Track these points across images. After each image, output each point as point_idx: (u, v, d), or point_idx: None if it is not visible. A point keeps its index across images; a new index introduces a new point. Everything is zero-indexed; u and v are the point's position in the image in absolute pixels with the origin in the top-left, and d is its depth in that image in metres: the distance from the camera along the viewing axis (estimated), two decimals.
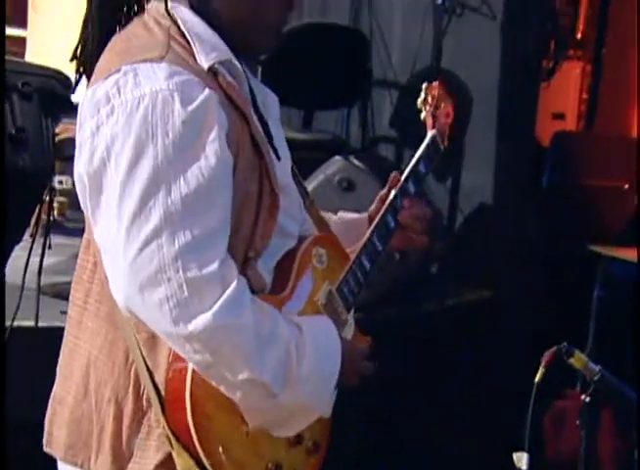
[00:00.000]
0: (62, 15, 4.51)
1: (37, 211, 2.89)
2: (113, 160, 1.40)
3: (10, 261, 2.99)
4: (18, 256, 2.97)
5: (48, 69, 3.05)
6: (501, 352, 3.96)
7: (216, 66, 1.47)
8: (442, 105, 1.93)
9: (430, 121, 1.91)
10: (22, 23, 4.57)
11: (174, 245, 1.36)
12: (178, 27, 1.49)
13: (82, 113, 1.46)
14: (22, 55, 4.45)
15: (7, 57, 2.72)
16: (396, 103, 4.55)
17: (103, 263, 1.47)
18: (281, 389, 1.44)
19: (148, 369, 1.47)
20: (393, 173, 1.83)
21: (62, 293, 3.24)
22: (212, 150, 1.40)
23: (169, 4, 1.51)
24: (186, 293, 1.36)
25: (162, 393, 1.46)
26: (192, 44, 1.47)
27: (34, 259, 2.76)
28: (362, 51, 4.53)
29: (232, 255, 1.44)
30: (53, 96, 2.91)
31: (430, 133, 1.90)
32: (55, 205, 3.68)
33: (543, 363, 1.90)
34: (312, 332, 1.50)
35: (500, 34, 4.35)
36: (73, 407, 1.56)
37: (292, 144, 1.68)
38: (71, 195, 4.76)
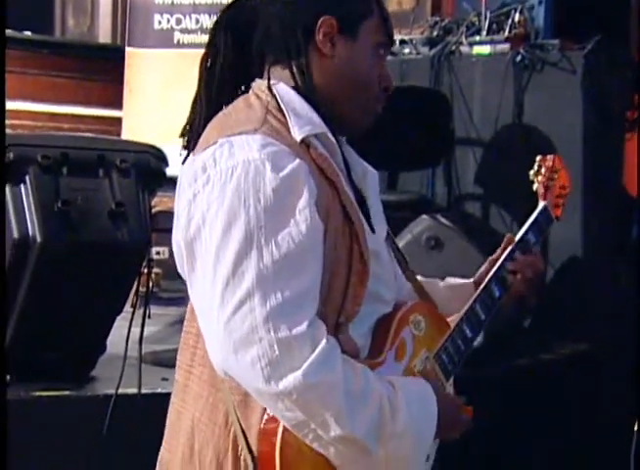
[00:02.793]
0: (154, 95, 4.69)
1: (136, 282, 2.98)
2: (207, 226, 1.46)
3: (112, 331, 3.10)
4: (119, 325, 3.08)
5: (143, 144, 3.19)
6: (598, 405, 3.91)
7: (309, 138, 1.53)
8: (556, 176, 1.95)
9: (541, 192, 1.93)
10: (119, 105, 4.76)
11: (266, 307, 1.41)
12: (277, 102, 1.55)
13: (181, 182, 1.54)
14: (119, 134, 4.63)
15: (106, 136, 2.86)
16: (480, 160, 4.58)
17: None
18: (375, 445, 1.46)
19: (242, 430, 1.51)
20: (507, 235, 1.85)
21: (161, 361, 3.33)
22: (303, 216, 1.46)
23: (271, 81, 1.58)
24: (277, 352, 1.41)
25: (255, 453, 1.49)
26: (287, 118, 1.53)
27: (135, 329, 2.85)
28: (444, 111, 4.58)
29: (323, 320, 1.48)
30: (149, 171, 3.04)
31: (541, 203, 1.92)
32: (152, 275, 3.78)
33: None
34: (406, 387, 1.52)
35: (581, 88, 4.35)
36: (180, 468, 1.60)
37: None
38: (166, 265, 4.88)
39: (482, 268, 1.86)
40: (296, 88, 1.58)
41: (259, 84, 1.60)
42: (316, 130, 1.55)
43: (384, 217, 1.70)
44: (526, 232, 1.86)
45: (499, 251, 1.86)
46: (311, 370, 1.41)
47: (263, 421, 1.49)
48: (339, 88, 1.59)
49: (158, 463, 1.68)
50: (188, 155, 1.60)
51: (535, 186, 1.94)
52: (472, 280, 1.86)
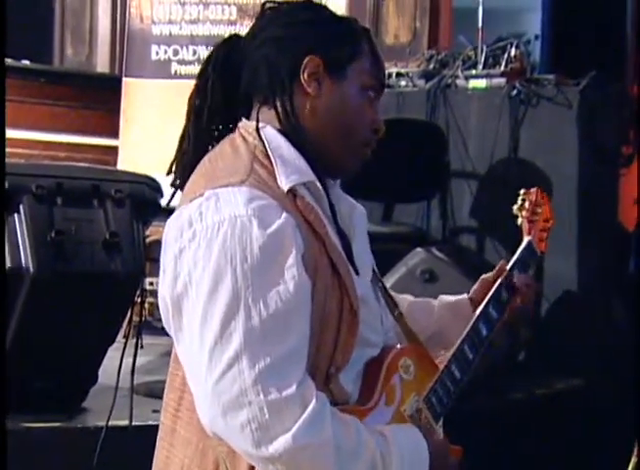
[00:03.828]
0: (150, 125, 4.70)
1: (129, 312, 2.97)
2: (194, 285, 1.44)
3: (104, 362, 3.08)
4: (111, 356, 3.06)
5: (138, 175, 3.19)
6: (592, 441, 3.88)
7: (296, 187, 1.51)
8: (540, 210, 1.94)
9: (526, 227, 1.92)
10: (116, 134, 4.77)
11: (254, 369, 1.40)
12: (264, 146, 1.53)
13: (167, 236, 1.51)
14: (115, 163, 4.63)
15: (101, 166, 2.86)
16: (475, 193, 4.59)
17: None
18: None
19: None
20: (501, 262, 1.85)
21: (153, 392, 3.30)
22: (290, 275, 1.43)
23: (260, 124, 1.55)
24: (267, 415, 1.39)
25: None
26: (274, 165, 1.51)
27: (127, 360, 2.83)
28: (439, 144, 4.59)
29: (314, 372, 1.47)
30: (143, 201, 3.04)
31: (525, 239, 1.91)
32: (145, 305, 3.76)
33: (636, 452, 1.88)
34: (397, 439, 1.51)
35: (577, 122, 4.37)
36: None
37: (373, 237, 1.71)
38: None
39: (476, 286, 1.85)
40: (282, 131, 1.56)
41: (246, 126, 1.58)
42: (303, 179, 1.53)
43: (371, 258, 1.69)
44: (512, 268, 1.85)
45: (492, 275, 1.85)
46: (300, 432, 1.40)
47: None
48: (326, 130, 1.56)
49: None
50: (174, 193, 1.59)
51: (519, 221, 1.93)
52: (466, 296, 1.85)
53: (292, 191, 1.51)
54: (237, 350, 1.40)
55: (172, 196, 1.60)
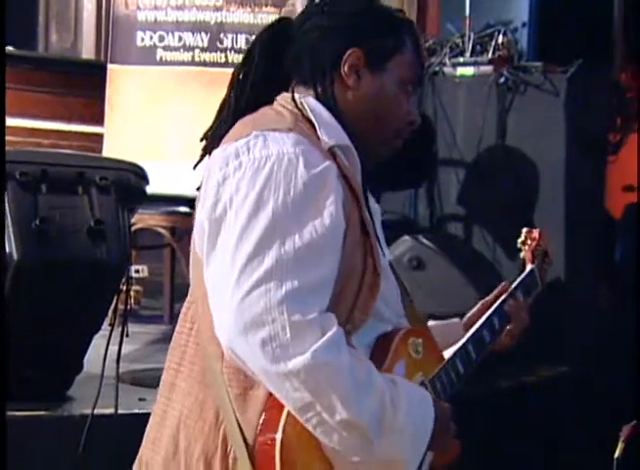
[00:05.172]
0: (136, 111, 4.67)
1: (115, 300, 2.95)
2: (234, 207, 1.49)
3: (90, 350, 3.07)
4: (97, 344, 3.05)
5: (124, 162, 3.17)
6: (580, 427, 3.90)
7: (335, 149, 1.56)
8: (540, 249, 2.04)
9: (529, 257, 2.02)
10: (100, 121, 4.74)
11: (281, 290, 1.44)
12: (303, 115, 1.58)
13: (211, 166, 1.56)
14: (100, 150, 4.60)
15: (86, 153, 2.84)
16: (463, 181, 4.59)
17: (203, 318, 1.55)
18: (377, 434, 1.46)
19: (238, 424, 1.51)
20: (503, 283, 1.92)
21: (139, 380, 3.30)
22: (328, 212, 1.49)
23: (296, 95, 1.61)
24: (288, 334, 1.42)
25: (252, 448, 1.49)
26: (316, 126, 1.57)
27: (113, 348, 2.82)
28: (427, 132, 4.58)
29: None
30: (129, 188, 3.02)
31: (529, 266, 2.00)
32: (131, 293, 3.75)
33: (622, 438, 1.90)
34: (406, 388, 1.54)
35: (564, 110, 4.37)
36: (162, 467, 1.59)
37: None
38: (146, 283, 4.85)
39: (474, 310, 1.91)
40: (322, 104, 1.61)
41: (285, 97, 1.63)
42: (342, 141, 1.58)
43: (386, 246, 1.72)
44: (515, 289, 1.92)
45: (491, 297, 1.91)
46: (320, 351, 1.42)
47: (262, 420, 1.49)
48: (360, 117, 1.62)
49: (136, 462, 1.66)
50: (201, 159, 1.63)
51: (522, 253, 2.03)
52: (459, 321, 1.90)
53: (331, 151, 1.55)
54: (267, 270, 1.44)
55: (200, 160, 1.63)
